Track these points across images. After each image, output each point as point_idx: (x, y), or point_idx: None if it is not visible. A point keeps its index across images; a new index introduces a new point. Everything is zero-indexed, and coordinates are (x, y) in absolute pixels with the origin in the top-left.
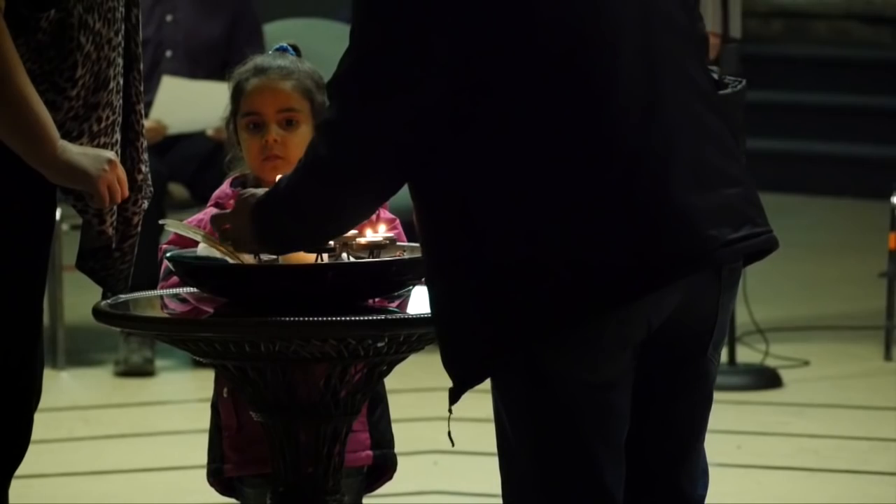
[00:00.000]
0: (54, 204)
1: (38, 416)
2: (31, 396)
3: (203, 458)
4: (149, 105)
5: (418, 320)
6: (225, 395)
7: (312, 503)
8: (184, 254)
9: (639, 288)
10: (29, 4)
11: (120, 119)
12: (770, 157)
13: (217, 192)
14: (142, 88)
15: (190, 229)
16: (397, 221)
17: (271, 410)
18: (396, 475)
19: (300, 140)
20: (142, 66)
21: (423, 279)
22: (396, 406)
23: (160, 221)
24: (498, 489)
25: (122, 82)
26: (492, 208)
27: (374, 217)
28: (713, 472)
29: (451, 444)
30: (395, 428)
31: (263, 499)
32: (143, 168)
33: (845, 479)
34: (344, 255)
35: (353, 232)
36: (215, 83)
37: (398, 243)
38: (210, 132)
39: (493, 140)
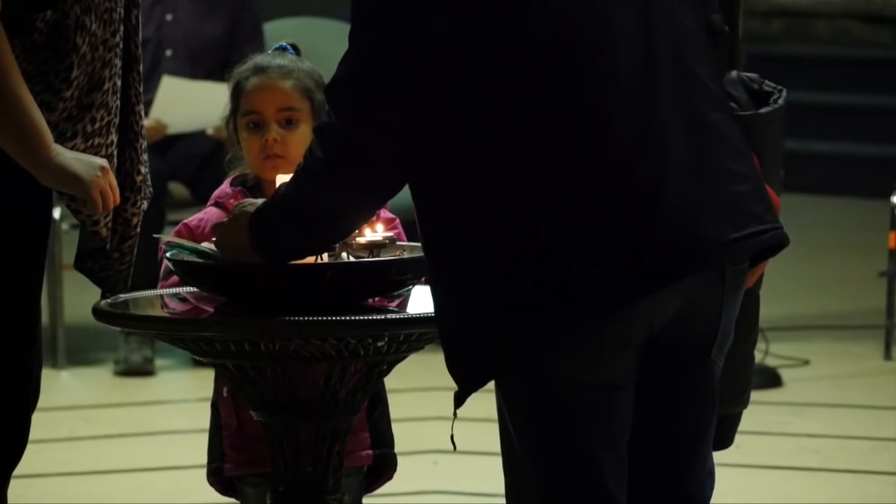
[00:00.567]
0: (51, 202)
1: (37, 416)
2: (28, 395)
3: (203, 457)
4: (149, 104)
5: (418, 320)
6: (225, 394)
7: (312, 503)
8: (183, 245)
9: (638, 289)
10: (25, 4)
11: (116, 120)
12: None
13: (217, 192)
14: (141, 89)
15: (186, 243)
16: (397, 221)
17: (271, 410)
18: (396, 475)
19: (300, 139)
20: (141, 67)
21: (423, 279)
22: (396, 405)
23: (155, 236)
24: (498, 489)
25: (119, 83)
26: (490, 210)
27: (373, 217)
28: None
29: (452, 447)
30: (394, 427)
31: (263, 498)
32: (143, 169)
33: (845, 479)
34: (344, 254)
35: None
36: (215, 84)
37: (398, 243)
38: (210, 131)
39: (490, 142)
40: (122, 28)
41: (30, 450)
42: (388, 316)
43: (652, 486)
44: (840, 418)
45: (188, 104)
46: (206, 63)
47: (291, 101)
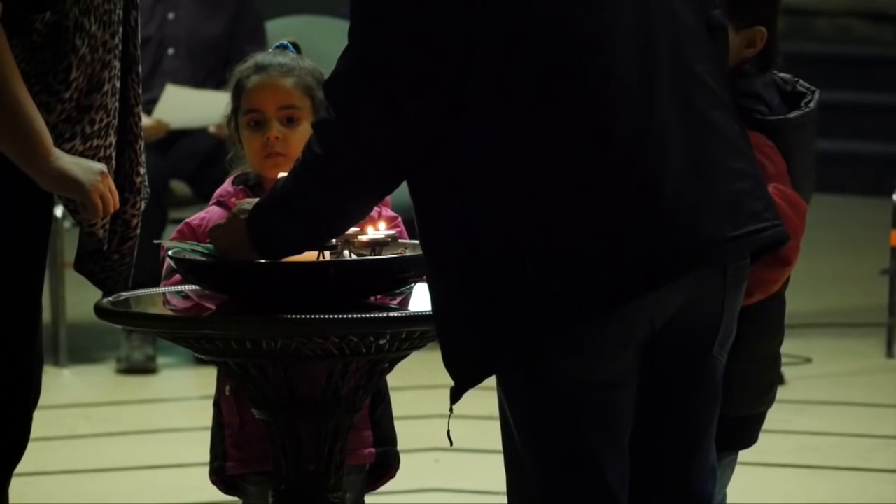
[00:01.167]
0: (52, 200)
1: (39, 414)
2: (30, 393)
3: (205, 455)
4: (150, 103)
5: (420, 317)
6: (227, 392)
7: (314, 501)
8: (184, 247)
9: (639, 287)
10: (24, 5)
11: (115, 122)
12: None
13: (219, 191)
14: (140, 91)
15: (187, 245)
16: (399, 219)
17: (273, 408)
18: (398, 472)
19: (301, 137)
20: (140, 69)
21: (424, 277)
22: (398, 403)
23: (155, 242)
24: (500, 486)
25: (118, 85)
26: (489, 208)
27: (375, 214)
28: None
29: (449, 443)
30: (396, 425)
31: (265, 496)
32: (142, 170)
33: (847, 477)
34: (346, 252)
35: (354, 229)
36: (218, 93)
37: (400, 241)
38: (212, 129)
39: (490, 140)
40: (121, 29)
41: (31, 448)
42: (390, 314)
43: (654, 483)
44: (842, 416)
45: (190, 113)
46: (207, 61)
47: (292, 99)
